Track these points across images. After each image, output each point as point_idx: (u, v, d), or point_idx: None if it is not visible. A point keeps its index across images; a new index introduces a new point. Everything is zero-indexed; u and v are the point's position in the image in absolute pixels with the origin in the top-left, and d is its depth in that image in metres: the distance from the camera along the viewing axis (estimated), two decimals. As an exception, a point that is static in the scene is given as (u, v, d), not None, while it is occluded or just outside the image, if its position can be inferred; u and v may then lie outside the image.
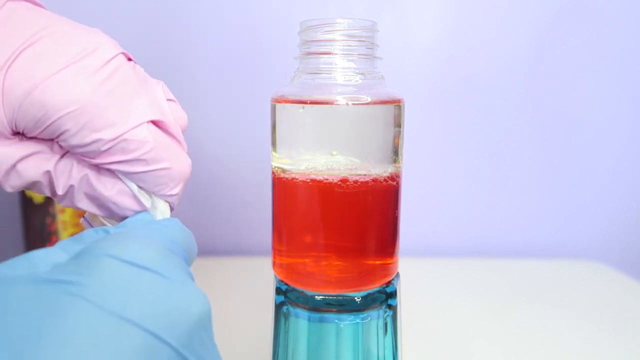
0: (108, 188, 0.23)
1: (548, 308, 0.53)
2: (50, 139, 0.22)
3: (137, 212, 0.24)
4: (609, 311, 0.53)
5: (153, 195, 0.24)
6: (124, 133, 0.22)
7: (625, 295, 0.58)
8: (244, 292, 0.55)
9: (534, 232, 0.71)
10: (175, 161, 0.24)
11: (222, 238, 0.69)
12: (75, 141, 0.21)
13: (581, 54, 0.66)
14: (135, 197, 0.24)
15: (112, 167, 0.23)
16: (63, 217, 0.52)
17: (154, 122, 0.23)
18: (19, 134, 0.22)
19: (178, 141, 0.24)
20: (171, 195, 0.25)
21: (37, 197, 0.52)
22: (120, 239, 0.19)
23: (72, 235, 0.51)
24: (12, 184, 0.22)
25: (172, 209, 0.25)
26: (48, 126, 0.21)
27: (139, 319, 0.17)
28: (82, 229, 0.25)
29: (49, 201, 0.52)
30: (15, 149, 0.22)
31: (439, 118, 0.67)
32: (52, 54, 0.21)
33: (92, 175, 0.23)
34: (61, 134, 0.21)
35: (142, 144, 0.22)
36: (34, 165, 0.22)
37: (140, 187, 0.24)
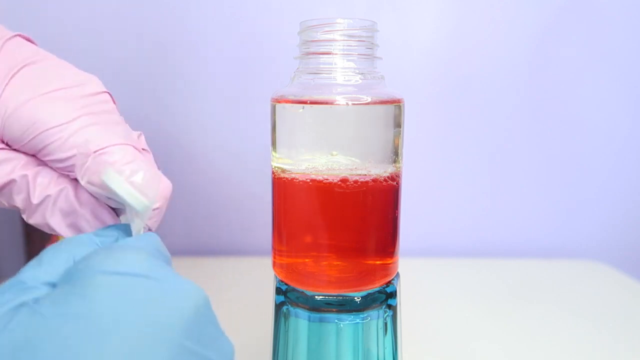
0: (85, 205, 0.24)
1: (548, 308, 0.53)
2: (33, 153, 0.23)
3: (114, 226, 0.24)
4: (609, 311, 0.53)
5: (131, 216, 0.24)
6: (104, 147, 0.23)
7: (625, 295, 0.58)
8: (243, 292, 0.55)
9: (534, 232, 0.71)
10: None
11: (221, 238, 0.69)
12: (56, 155, 0.23)
13: (580, 54, 0.66)
14: (109, 217, 0.24)
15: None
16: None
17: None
18: (3, 142, 0.23)
19: None
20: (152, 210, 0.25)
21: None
22: (108, 253, 0.19)
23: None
24: None
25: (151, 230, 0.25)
26: (32, 139, 0.22)
27: (135, 324, 0.17)
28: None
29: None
30: None
31: (439, 118, 0.67)
32: (47, 78, 0.23)
33: (71, 189, 0.24)
34: (43, 147, 0.22)
35: (122, 156, 0.23)
36: (11, 167, 0.23)
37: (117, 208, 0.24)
